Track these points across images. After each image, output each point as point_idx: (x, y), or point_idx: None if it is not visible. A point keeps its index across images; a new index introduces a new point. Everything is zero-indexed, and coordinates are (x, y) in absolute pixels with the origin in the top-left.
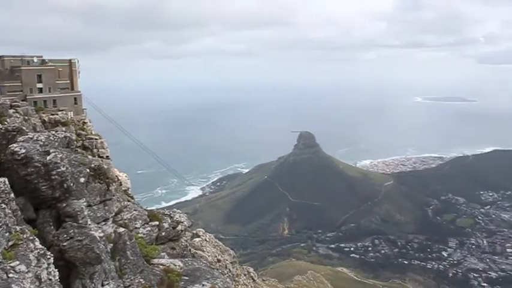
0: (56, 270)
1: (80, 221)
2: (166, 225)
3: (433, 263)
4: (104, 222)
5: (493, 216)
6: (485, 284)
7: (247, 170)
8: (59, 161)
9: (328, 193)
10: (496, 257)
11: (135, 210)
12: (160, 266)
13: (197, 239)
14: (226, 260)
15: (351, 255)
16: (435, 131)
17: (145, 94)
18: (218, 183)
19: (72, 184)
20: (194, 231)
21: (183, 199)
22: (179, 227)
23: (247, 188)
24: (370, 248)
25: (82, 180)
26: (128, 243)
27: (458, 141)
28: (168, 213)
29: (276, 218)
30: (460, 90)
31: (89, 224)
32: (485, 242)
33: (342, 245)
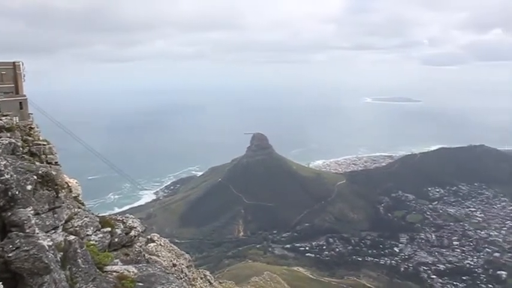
0: (1, 283)
1: (27, 230)
2: (119, 231)
3: (386, 258)
4: (53, 231)
5: (440, 211)
6: (434, 276)
7: (201, 173)
8: (2, 169)
9: (282, 194)
10: (444, 250)
11: (86, 217)
12: (114, 273)
13: (152, 244)
14: (182, 264)
15: (306, 254)
16: (384, 131)
17: (95, 98)
18: (172, 187)
19: (17, 192)
20: (148, 236)
21: (136, 204)
22: (132, 233)
23: (201, 191)
24: (324, 247)
25: (29, 187)
26: (78, 251)
27: (406, 140)
28: (121, 219)
29: (231, 220)
30: (407, 91)
31: (37, 233)
32: (433, 236)
33: (297, 244)
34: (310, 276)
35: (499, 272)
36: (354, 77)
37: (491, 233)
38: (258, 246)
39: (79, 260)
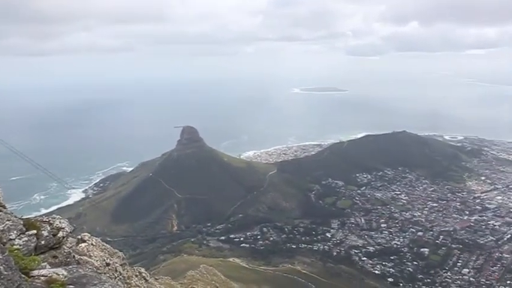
0: None
1: None
2: (45, 233)
3: (319, 244)
4: None
5: (368, 196)
6: (364, 258)
7: (131, 169)
8: None
9: (214, 186)
10: (373, 233)
11: (8, 220)
12: (42, 278)
13: (83, 244)
14: (116, 262)
15: (241, 245)
16: (313, 120)
17: (13, 94)
18: (101, 184)
19: None
20: (79, 237)
21: (64, 204)
22: (60, 234)
23: (132, 187)
24: (259, 237)
25: None
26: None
27: (334, 128)
28: (48, 220)
29: (164, 214)
30: (333, 81)
31: None
32: (363, 220)
33: (232, 236)
34: (246, 266)
35: (422, 250)
36: (282, 68)
37: (414, 214)
38: (192, 239)
39: (1, 267)
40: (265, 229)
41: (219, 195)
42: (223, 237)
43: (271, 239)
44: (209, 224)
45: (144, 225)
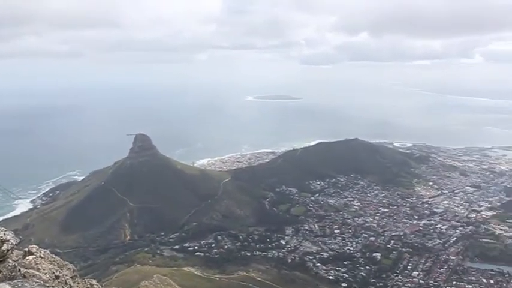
0: None
1: None
2: None
3: (273, 251)
4: None
5: (322, 202)
6: (318, 264)
7: (82, 177)
8: None
9: (168, 194)
10: (326, 239)
11: None
12: None
13: (30, 257)
14: (66, 275)
15: (196, 253)
16: (267, 128)
17: None
18: (51, 194)
19: None
20: (26, 249)
21: (10, 215)
22: (4, 247)
23: (83, 196)
24: (213, 245)
25: None
26: None
27: (288, 136)
28: None
29: (116, 224)
30: (287, 89)
31: None
32: (316, 226)
33: (186, 244)
34: (201, 275)
35: (374, 254)
36: (236, 76)
37: (367, 219)
38: (146, 249)
39: None
40: (219, 237)
41: (173, 203)
42: (177, 246)
43: (226, 247)
44: (163, 233)
45: (96, 235)
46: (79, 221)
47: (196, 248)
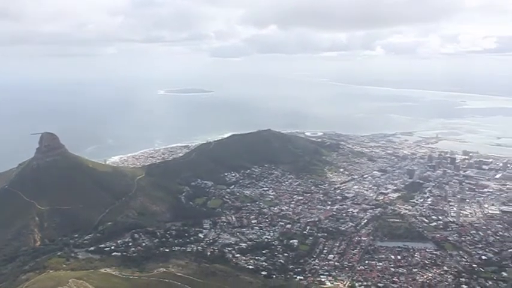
0: None
1: None
2: None
3: (192, 245)
4: None
5: (238, 194)
6: (238, 255)
7: None
8: None
9: (80, 195)
10: (244, 229)
11: None
12: None
13: None
14: None
15: (113, 253)
16: (179, 122)
17: None
18: None
19: None
20: None
21: None
22: None
23: None
24: (130, 243)
25: None
26: None
27: (201, 129)
28: None
29: (24, 230)
30: (198, 82)
31: None
32: (233, 218)
33: (102, 245)
34: (119, 275)
35: (291, 241)
36: (146, 70)
37: (282, 208)
38: (59, 253)
39: None
40: (136, 235)
41: (86, 203)
42: (92, 248)
43: (144, 244)
44: (76, 235)
45: (2, 243)
46: None
47: (112, 248)
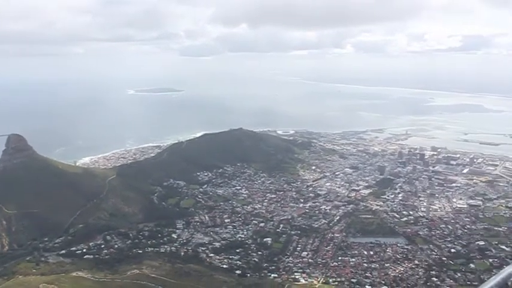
0: None
1: None
2: None
3: (166, 246)
4: None
5: (210, 193)
6: (212, 254)
7: None
8: None
9: (50, 197)
10: (218, 229)
11: None
12: None
13: None
14: None
15: (85, 256)
16: (151, 122)
17: None
18: None
19: None
20: None
21: None
22: None
23: None
24: (103, 246)
25: None
26: None
27: (172, 129)
28: None
29: None
30: (168, 81)
31: None
32: (207, 217)
33: (73, 248)
34: (91, 278)
35: (265, 239)
36: (116, 69)
37: (255, 206)
38: (28, 258)
39: None
40: (108, 237)
41: (56, 206)
42: (63, 251)
43: (116, 246)
44: (46, 239)
45: None
46: None
47: (84, 250)
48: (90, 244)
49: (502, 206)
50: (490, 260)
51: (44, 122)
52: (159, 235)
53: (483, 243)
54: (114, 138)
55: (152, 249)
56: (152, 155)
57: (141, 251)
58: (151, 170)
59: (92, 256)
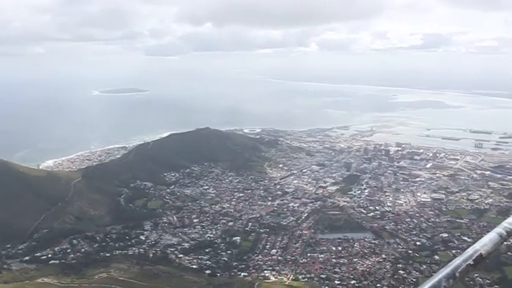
0: None
1: None
2: None
3: (134, 248)
4: None
5: (178, 193)
6: (181, 255)
7: None
8: None
9: (11, 202)
10: (186, 229)
11: None
12: None
13: None
14: None
15: (50, 262)
16: (116, 123)
17: None
18: None
19: None
20: None
21: None
22: None
23: None
24: (69, 250)
25: None
26: None
27: (138, 129)
28: None
29: None
30: (133, 81)
31: None
32: (175, 218)
33: (38, 254)
34: (58, 283)
35: (234, 238)
36: (79, 70)
37: (224, 206)
38: None
39: None
40: (75, 241)
41: (18, 211)
42: (27, 257)
43: (83, 250)
44: (9, 245)
45: None
46: None
47: (50, 256)
48: (56, 249)
49: (463, 198)
50: (453, 251)
51: (3, 123)
52: (127, 237)
53: (446, 235)
54: (78, 140)
55: (120, 251)
56: (118, 156)
57: (108, 254)
58: (117, 171)
59: (57, 261)
